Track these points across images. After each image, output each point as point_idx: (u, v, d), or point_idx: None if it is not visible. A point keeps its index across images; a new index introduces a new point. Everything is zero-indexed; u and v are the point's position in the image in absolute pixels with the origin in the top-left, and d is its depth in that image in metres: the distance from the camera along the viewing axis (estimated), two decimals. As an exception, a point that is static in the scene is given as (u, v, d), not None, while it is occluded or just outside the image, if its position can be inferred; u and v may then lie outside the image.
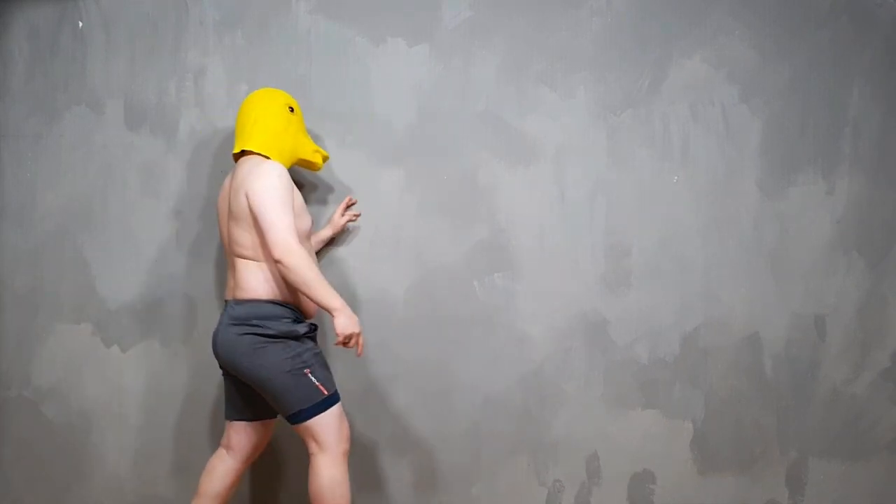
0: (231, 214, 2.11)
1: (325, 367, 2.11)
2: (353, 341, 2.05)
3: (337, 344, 2.05)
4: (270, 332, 2.04)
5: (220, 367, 2.17)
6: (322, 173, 2.54)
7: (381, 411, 2.53)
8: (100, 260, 2.58)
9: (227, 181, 2.23)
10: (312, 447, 2.07)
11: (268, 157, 2.16)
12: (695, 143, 2.55)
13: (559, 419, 2.55)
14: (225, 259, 2.41)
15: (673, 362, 2.54)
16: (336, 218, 2.49)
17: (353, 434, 2.54)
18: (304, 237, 2.15)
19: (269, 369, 2.02)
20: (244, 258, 2.10)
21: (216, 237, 2.55)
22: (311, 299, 2.04)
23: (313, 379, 2.05)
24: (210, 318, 2.55)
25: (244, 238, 2.09)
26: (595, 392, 2.55)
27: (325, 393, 2.06)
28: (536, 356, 2.55)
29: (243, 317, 2.06)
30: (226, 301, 2.16)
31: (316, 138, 2.55)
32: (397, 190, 2.55)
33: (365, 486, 2.55)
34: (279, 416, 2.27)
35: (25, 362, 2.59)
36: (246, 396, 2.19)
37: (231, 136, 2.55)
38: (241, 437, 2.20)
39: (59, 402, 2.59)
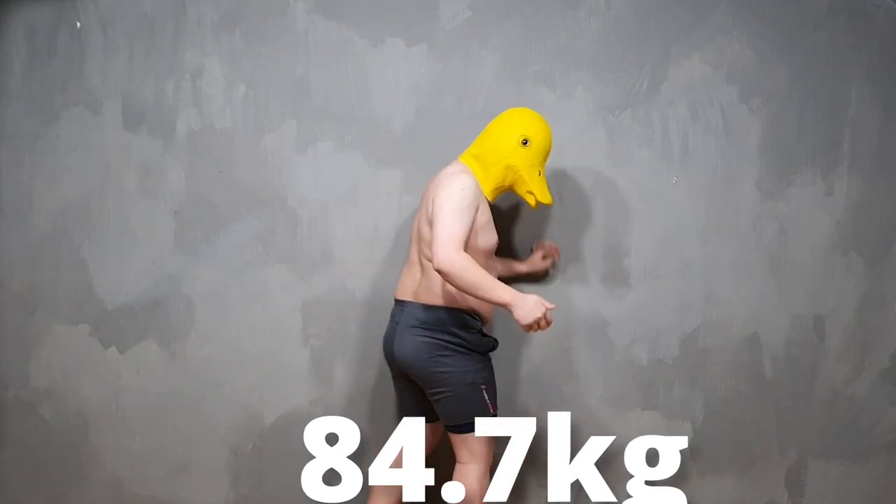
0: (426, 215, 2.10)
1: (495, 385, 2.16)
2: (542, 323, 1.99)
3: (529, 331, 2.01)
4: (460, 341, 2.07)
5: (392, 370, 2.19)
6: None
7: (381, 411, 2.53)
8: (97, 260, 2.57)
9: (430, 181, 2.22)
10: (465, 457, 2.13)
11: (468, 169, 2.14)
12: (694, 143, 2.55)
13: (558, 420, 2.54)
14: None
15: (672, 363, 2.54)
16: (537, 260, 2.46)
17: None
18: (485, 254, 2.13)
19: (451, 378, 2.06)
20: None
21: (214, 237, 2.55)
22: (484, 300, 1.98)
23: (486, 396, 2.11)
24: (208, 318, 2.54)
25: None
26: (594, 393, 2.54)
27: (492, 411, 2.12)
28: (535, 357, 2.54)
29: (435, 322, 2.07)
30: (399, 301, 2.12)
31: (314, 138, 2.54)
32: (396, 190, 2.54)
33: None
34: None
35: (23, 363, 2.59)
36: (421, 400, 2.19)
37: (229, 136, 2.55)
38: None
39: (56, 403, 2.58)
